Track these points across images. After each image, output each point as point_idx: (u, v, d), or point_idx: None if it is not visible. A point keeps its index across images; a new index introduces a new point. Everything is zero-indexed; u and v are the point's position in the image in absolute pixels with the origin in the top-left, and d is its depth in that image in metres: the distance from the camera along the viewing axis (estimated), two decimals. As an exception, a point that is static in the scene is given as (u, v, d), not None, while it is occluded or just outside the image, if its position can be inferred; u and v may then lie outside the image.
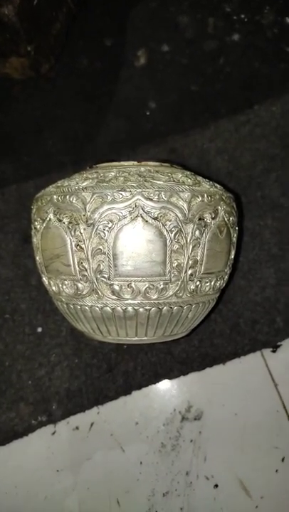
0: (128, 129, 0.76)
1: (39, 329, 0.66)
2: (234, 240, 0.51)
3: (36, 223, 0.49)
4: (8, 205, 0.73)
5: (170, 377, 0.63)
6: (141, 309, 0.45)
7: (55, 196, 0.46)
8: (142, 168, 0.47)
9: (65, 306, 0.49)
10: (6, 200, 0.73)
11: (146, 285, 0.44)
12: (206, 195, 0.45)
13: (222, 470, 0.59)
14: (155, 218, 0.43)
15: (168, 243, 0.43)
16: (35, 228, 0.49)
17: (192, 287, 0.46)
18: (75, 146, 0.76)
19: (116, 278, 0.44)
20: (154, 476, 0.59)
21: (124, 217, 0.42)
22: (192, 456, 0.60)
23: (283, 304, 0.65)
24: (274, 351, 0.64)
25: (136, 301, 0.44)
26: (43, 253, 0.48)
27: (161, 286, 0.44)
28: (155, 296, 0.45)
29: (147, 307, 0.45)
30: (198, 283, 0.46)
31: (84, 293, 0.45)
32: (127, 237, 0.42)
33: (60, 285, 0.47)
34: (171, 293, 0.45)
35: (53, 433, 0.61)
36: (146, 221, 0.43)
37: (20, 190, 0.74)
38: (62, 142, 0.76)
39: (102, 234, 0.43)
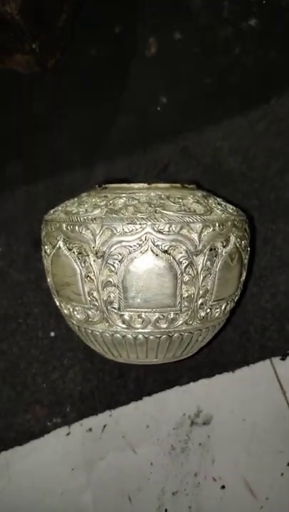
0: (138, 127, 0.74)
1: (52, 333, 0.67)
2: (246, 262, 0.50)
3: (46, 247, 0.49)
4: (19, 207, 0.73)
5: (180, 384, 0.64)
6: (151, 337, 0.46)
7: (64, 225, 0.45)
8: (152, 193, 0.46)
9: (77, 328, 0.50)
10: (16, 202, 0.73)
11: (157, 315, 0.44)
12: (217, 225, 0.44)
13: (229, 472, 0.62)
14: (165, 251, 0.42)
15: (178, 276, 0.43)
16: (45, 252, 0.49)
17: (202, 314, 0.46)
18: (84, 145, 0.74)
19: (126, 309, 0.44)
20: (164, 477, 0.62)
21: (134, 250, 0.42)
22: (201, 459, 0.63)
23: (294, 311, 0.65)
24: (283, 359, 0.64)
25: (146, 330, 0.45)
26: (54, 278, 0.48)
27: (172, 316, 0.45)
28: (165, 326, 0.45)
29: (158, 335, 0.45)
30: (208, 310, 0.46)
31: (95, 320, 0.46)
32: (136, 270, 0.42)
33: (72, 310, 0.48)
34: (181, 322, 0.45)
35: (68, 434, 0.64)
36: (157, 255, 0.42)
37: (30, 192, 0.73)
38: (71, 141, 0.74)
39: (111, 267, 0.43)
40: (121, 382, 0.65)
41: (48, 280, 0.51)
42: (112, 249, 0.42)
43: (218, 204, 0.48)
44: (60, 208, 0.49)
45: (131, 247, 0.42)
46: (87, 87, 0.75)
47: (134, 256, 0.42)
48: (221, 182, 0.71)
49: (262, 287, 0.66)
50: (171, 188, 0.48)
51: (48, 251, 0.48)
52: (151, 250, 0.42)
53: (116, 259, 0.42)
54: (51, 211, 0.51)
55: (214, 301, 0.46)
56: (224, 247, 0.45)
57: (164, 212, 0.43)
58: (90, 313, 0.46)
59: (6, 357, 0.67)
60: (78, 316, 0.47)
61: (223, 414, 0.63)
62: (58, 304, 0.51)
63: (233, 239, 0.46)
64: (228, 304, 0.49)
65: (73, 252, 0.44)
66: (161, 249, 0.42)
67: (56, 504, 0.62)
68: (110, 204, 0.45)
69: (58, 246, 0.46)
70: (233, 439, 0.63)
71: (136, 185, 0.47)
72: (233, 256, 0.46)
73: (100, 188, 0.50)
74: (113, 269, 0.43)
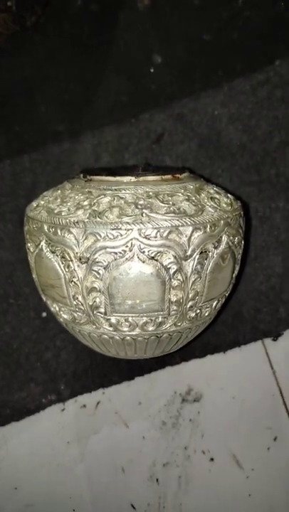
0: (130, 90, 0.67)
1: (44, 314, 0.67)
2: (239, 257, 0.48)
3: (29, 245, 0.46)
4: (3, 181, 0.69)
5: (172, 364, 0.65)
6: (139, 338, 0.45)
7: (46, 226, 0.42)
8: (140, 190, 0.42)
9: (64, 324, 0.49)
10: (0, 176, 0.69)
11: (144, 320, 0.43)
12: (209, 226, 0.41)
13: (218, 446, 0.64)
14: (152, 258, 0.40)
15: (166, 282, 0.41)
16: (28, 249, 0.47)
17: (192, 315, 0.45)
18: (71, 111, 0.68)
19: (113, 314, 0.42)
20: (155, 449, 0.65)
21: (120, 257, 0.40)
22: (191, 433, 0.65)
23: (288, 294, 0.64)
24: (275, 340, 0.64)
25: (134, 333, 0.44)
26: (38, 277, 0.47)
27: (160, 320, 0.43)
28: (153, 328, 0.44)
29: (146, 337, 0.45)
30: (198, 311, 0.45)
31: (81, 322, 0.45)
32: (122, 277, 0.40)
33: (58, 309, 0.47)
34: (169, 324, 0.44)
35: (62, 410, 0.66)
36: (143, 261, 0.40)
37: (15, 165, 0.68)
38: (57, 107, 0.68)
39: (96, 273, 0.40)
40: (114, 363, 0.65)
41: (33, 276, 0.49)
42: (97, 255, 0.40)
43: (211, 199, 0.44)
44: (42, 203, 0.46)
45: (116, 253, 0.40)
46: (72, 45, 0.67)
47: (120, 263, 0.40)
48: (219, 155, 0.66)
49: (257, 268, 0.65)
50: (161, 181, 0.44)
51: (31, 249, 0.46)
52: (138, 257, 0.40)
53: (101, 266, 0.40)
54: (33, 204, 0.48)
55: (204, 301, 0.45)
56: (215, 248, 0.43)
57: (152, 215, 0.40)
58: (75, 315, 0.44)
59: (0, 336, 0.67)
60: (65, 316, 0.46)
61: (213, 392, 0.65)
62: (44, 299, 0.49)
63: (225, 238, 0.43)
64: (218, 301, 0.48)
65: (56, 255, 0.42)
66: (148, 256, 0.40)
67: (53, 475, 0.66)
68: (94, 204, 0.41)
69: (40, 247, 0.44)
70: (222, 416, 0.65)
71: (123, 179, 0.44)
72: (225, 256, 0.44)
73: (84, 180, 0.46)
74: (98, 275, 0.41)
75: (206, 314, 0.46)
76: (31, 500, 0.66)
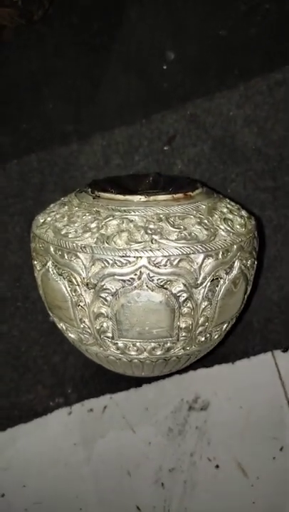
0: (141, 89, 0.64)
1: (51, 318, 0.66)
2: (251, 278, 0.46)
3: (35, 262, 0.45)
4: (11, 182, 0.67)
5: (180, 373, 0.64)
6: (147, 361, 0.44)
7: (52, 248, 0.41)
8: (150, 212, 0.41)
9: (71, 341, 0.48)
10: (7, 176, 0.67)
11: (152, 345, 0.42)
12: (221, 253, 0.40)
13: (223, 454, 0.65)
14: (161, 286, 0.39)
15: (176, 310, 0.40)
16: (35, 266, 0.46)
17: (201, 339, 0.44)
18: (79, 111, 0.65)
19: (120, 339, 0.42)
20: (161, 455, 0.65)
21: (128, 284, 0.38)
22: (197, 440, 0.65)
23: (301, 305, 0.62)
24: (285, 351, 0.63)
25: (141, 356, 0.43)
26: (45, 296, 0.46)
27: (168, 345, 0.42)
28: (161, 353, 0.43)
29: (153, 360, 0.44)
30: (208, 335, 0.44)
31: (88, 343, 0.44)
32: (131, 305, 0.39)
33: (65, 328, 0.46)
34: (178, 348, 0.43)
35: (69, 413, 0.67)
36: (152, 290, 0.39)
37: (22, 164, 0.67)
38: (64, 105, 0.65)
39: (103, 300, 0.39)
40: (121, 369, 0.65)
41: (40, 292, 0.48)
42: (104, 281, 0.39)
43: (224, 220, 0.42)
44: (48, 220, 0.44)
45: (124, 281, 0.38)
46: (80, 40, 0.64)
47: (128, 290, 0.39)
48: (233, 159, 0.63)
49: (269, 278, 0.63)
50: (172, 200, 0.42)
51: (38, 267, 0.45)
52: (147, 285, 0.38)
53: (108, 293, 0.39)
54: (40, 219, 0.46)
55: (215, 326, 0.44)
56: (227, 274, 0.41)
57: (162, 241, 0.38)
58: (82, 336, 0.44)
59: (7, 339, 0.67)
60: (72, 336, 0.45)
61: (220, 401, 0.64)
62: (51, 316, 0.49)
63: (238, 264, 0.42)
64: (229, 323, 0.46)
65: (63, 278, 0.41)
66: (157, 285, 0.38)
67: (60, 475, 0.67)
68: (102, 227, 0.40)
69: (47, 267, 0.42)
70: (228, 425, 0.64)
71: (133, 198, 0.42)
72: (238, 281, 0.42)
73: (92, 196, 0.44)
74: (105, 302, 0.39)
75: (216, 337, 0.45)
76: (39, 498, 0.68)
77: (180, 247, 0.38)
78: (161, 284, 0.38)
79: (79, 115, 0.65)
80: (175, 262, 0.38)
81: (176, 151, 0.64)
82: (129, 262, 0.38)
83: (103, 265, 0.38)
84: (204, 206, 0.43)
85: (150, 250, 0.38)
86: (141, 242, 0.38)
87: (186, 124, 0.64)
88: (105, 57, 0.63)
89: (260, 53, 0.62)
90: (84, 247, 0.39)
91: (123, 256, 0.38)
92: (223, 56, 0.62)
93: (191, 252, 0.39)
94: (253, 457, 0.64)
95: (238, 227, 0.43)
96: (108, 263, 0.38)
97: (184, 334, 0.42)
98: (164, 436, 0.66)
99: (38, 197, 0.66)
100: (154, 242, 0.38)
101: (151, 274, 0.38)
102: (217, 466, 0.65)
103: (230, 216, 0.44)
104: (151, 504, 0.65)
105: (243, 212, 0.46)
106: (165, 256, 0.38)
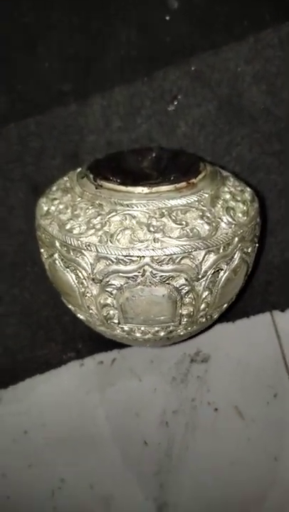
0: (141, 43, 0.60)
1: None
2: (252, 259, 0.48)
3: (42, 250, 0.47)
4: (10, 146, 0.65)
5: (182, 331, 0.69)
6: (151, 340, 0.47)
7: (57, 243, 0.42)
8: (152, 206, 0.41)
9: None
10: (6, 140, 0.65)
11: (156, 328, 0.45)
12: (222, 247, 0.41)
13: (222, 399, 0.71)
14: (164, 282, 0.40)
15: (178, 301, 0.42)
16: (42, 253, 0.47)
17: (202, 320, 0.46)
18: (76, 68, 0.61)
19: (126, 324, 0.44)
20: (165, 400, 0.72)
21: (132, 281, 0.40)
22: (198, 388, 0.71)
23: (301, 268, 0.64)
24: (283, 310, 0.67)
25: (146, 337, 0.46)
26: (53, 281, 0.48)
27: (171, 328, 0.45)
28: (164, 333, 0.46)
29: (157, 338, 0.47)
30: (208, 316, 0.46)
31: (96, 324, 0.47)
32: (135, 298, 0.41)
33: (74, 309, 0.49)
34: (180, 329, 0.46)
35: (81, 365, 0.73)
36: (155, 285, 0.40)
37: (20, 128, 0.64)
38: (62, 63, 0.61)
39: (109, 293, 0.41)
40: (127, 328, 0.69)
41: (48, 275, 0.50)
42: (109, 278, 0.40)
43: (227, 210, 0.42)
44: (53, 209, 0.45)
45: (128, 278, 0.40)
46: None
47: (132, 285, 0.40)
48: (239, 120, 0.61)
49: (271, 242, 0.64)
50: (175, 191, 0.42)
51: (45, 256, 0.46)
52: (150, 282, 0.40)
53: (113, 288, 0.41)
54: (43, 206, 0.46)
55: (216, 308, 0.46)
56: (228, 265, 0.42)
57: (164, 239, 0.39)
58: (90, 319, 0.47)
59: (19, 301, 0.71)
60: (81, 317, 0.48)
61: (220, 355, 0.69)
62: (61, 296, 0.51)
63: (238, 254, 0.43)
64: (229, 302, 0.49)
65: (70, 271, 0.43)
66: (160, 280, 0.40)
67: (75, 416, 0.75)
68: (106, 223, 0.40)
69: (54, 258, 0.44)
70: (227, 375, 0.70)
71: (135, 190, 0.42)
72: (238, 269, 0.44)
73: (94, 185, 0.44)
74: (111, 295, 0.41)
75: (216, 316, 0.48)
76: (57, 434, 0.76)
77: (182, 245, 0.39)
78: (164, 279, 0.40)
79: (76, 73, 0.61)
80: (177, 260, 0.39)
81: (179, 111, 0.61)
82: (132, 261, 0.39)
83: (107, 263, 0.40)
84: (207, 195, 0.43)
85: (152, 249, 0.39)
86: (144, 241, 0.39)
87: (190, 81, 0.60)
88: (102, 6, 0.58)
89: (273, 0, 0.56)
90: (88, 245, 0.40)
91: (126, 255, 0.39)
92: (231, 4, 0.57)
93: (193, 249, 0.39)
94: (249, 402, 0.71)
95: (240, 215, 0.43)
96: (112, 261, 0.40)
97: (185, 319, 0.44)
98: (167, 384, 0.72)
99: (38, 162, 0.65)
100: (156, 240, 0.39)
101: (154, 272, 0.40)
102: (216, 409, 0.72)
103: (233, 204, 0.44)
104: (157, 441, 0.74)
105: (247, 195, 0.46)
106: (167, 255, 0.39)
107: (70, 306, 0.49)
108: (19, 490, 0.74)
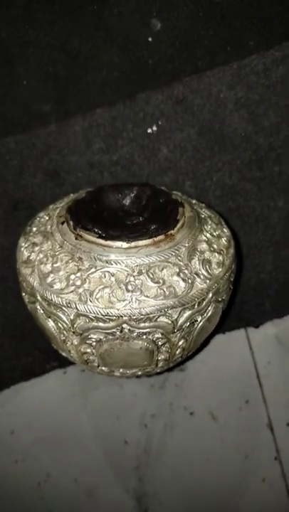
0: (123, 65, 0.58)
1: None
2: (227, 299, 0.50)
3: (24, 295, 0.48)
4: (-11, 165, 0.64)
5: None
6: (130, 376, 0.50)
7: (38, 295, 0.43)
8: (131, 261, 0.42)
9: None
10: (-16, 158, 0.64)
11: (134, 370, 0.47)
12: (198, 302, 0.43)
13: (197, 404, 0.76)
14: (141, 336, 0.42)
15: (154, 351, 0.44)
16: (23, 296, 0.48)
17: (178, 360, 0.49)
18: (57, 89, 0.60)
19: (105, 367, 0.47)
20: (145, 404, 0.77)
21: (111, 336, 0.42)
22: (175, 394, 0.76)
23: (274, 290, 0.67)
24: (257, 327, 0.70)
25: (125, 375, 0.49)
26: (35, 321, 0.49)
27: (148, 369, 0.48)
28: (142, 373, 0.49)
29: (135, 375, 0.50)
30: (184, 356, 0.49)
31: (76, 362, 0.49)
32: (114, 350, 0.43)
33: (55, 346, 0.51)
34: (157, 369, 0.49)
35: (64, 373, 0.76)
36: (133, 340, 0.42)
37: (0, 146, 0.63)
38: (40, 82, 0.59)
39: (89, 345, 0.43)
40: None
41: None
42: (89, 332, 0.42)
43: (203, 262, 0.44)
44: (33, 257, 0.45)
45: (108, 334, 0.42)
46: (56, 5, 0.55)
47: (111, 339, 0.42)
48: (221, 146, 0.61)
49: (248, 265, 0.66)
50: (153, 245, 0.43)
51: (27, 300, 0.47)
52: (128, 337, 0.42)
53: (93, 340, 0.43)
54: (24, 252, 0.47)
55: (191, 350, 0.49)
56: (203, 316, 0.44)
57: (142, 299, 0.41)
58: (71, 359, 0.49)
59: (3, 313, 0.73)
60: (62, 354, 0.50)
61: (196, 364, 0.73)
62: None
63: (213, 306, 0.45)
64: (204, 340, 0.51)
65: (51, 320, 0.44)
66: (137, 335, 0.42)
67: (60, 418, 0.79)
68: (85, 280, 0.42)
69: (35, 306, 0.45)
70: (203, 382, 0.74)
71: (114, 244, 0.43)
72: (213, 318, 0.46)
73: (74, 234, 0.45)
74: (91, 346, 0.43)
75: (191, 352, 0.51)
76: (43, 434, 0.81)
77: (159, 305, 0.41)
78: (141, 335, 0.42)
79: (56, 93, 0.60)
80: (154, 318, 0.41)
81: (161, 135, 0.61)
82: (111, 320, 0.41)
83: (87, 320, 0.41)
84: (184, 248, 0.44)
85: (130, 309, 0.40)
86: (122, 301, 0.41)
87: (172, 105, 0.59)
88: (84, 25, 0.55)
89: (259, 26, 0.54)
90: (69, 303, 0.41)
91: (106, 315, 0.41)
92: (216, 27, 0.55)
93: (169, 308, 0.41)
94: (222, 407, 0.76)
95: (215, 267, 0.45)
96: (92, 319, 0.41)
97: (162, 363, 0.47)
98: (147, 390, 0.76)
99: (18, 180, 0.65)
100: (134, 300, 0.41)
101: (132, 329, 0.41)
102: (192, 413, 0.77)
103: (209, 255, 0.45)
104: (137, 439, 0.79)
105: (224, 240, 0.48)
106: (144, 314, 0.41)
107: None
108: (6, 483, 0.79)
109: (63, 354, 0.50)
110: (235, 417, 0.76)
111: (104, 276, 0.41)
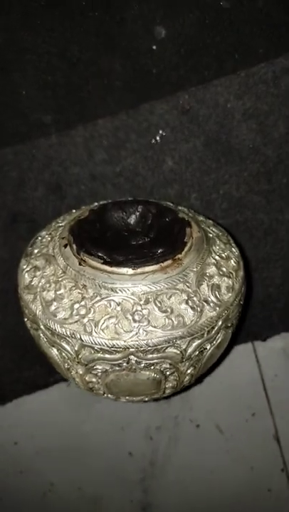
0: (126, 73, 0.55)
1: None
2: (236, 323, 0.48)
3: (26, 320, 0.46)
4: (-13, 177, 0.62)
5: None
6: (137, 402, 0.48)
7: (41, 324, 0.42)
8: (137, 289, 0.40)
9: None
10: (-17, 170, 0.62)
11: (141, 397, 0.46)
12: (206, 331, 0.41)
13: (203, 416, 0.75)
14: (149, 368, 0.41)
15: (162, 381, 0.42)
16: (25, 322, 0.47)
17: (186, 384, 0.48)
18: (56, 98, 0.57)
19: (111, 394, 0.45)
20: (150, 417, 0.76)
21: (118, 367, 0.40)
22: (181, 407, 0.74)
23: (283, 303, 0.65)
24: (264, 340, 0.68)
25: (132, 401, 0.48)
26: (38, 346, 0.48)
27: (155, 396, 0.46)
28: (149, 399, 0.47)
29: (142, 401, 0.48)
30: (192, 381, 0.48)
31: (81, 388, 0.48)
32: (120, 381, 0.42)
33: (59, 372, 0.49)
34: (165, 395, 0.47)
35: (68, 385, 0.75)
36: (140, 371, 0.41)
37: (-1, 158, 0.61)
38: (39, 91, 0.57)
39: (93, 376, 0.42)
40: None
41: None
42: (94, 363, 0.41)
43: (212, 288, 0.42)
44: (35, 282, 0.43)
45: (114, 365, 0.40)
46: (55, 11, 0.52)
47: (117, 370, 0.41)
48: (228, 158, 0.59)
49: (256, 279, 0.64)
50: (160, 271, 0.41)
51: (29, 325, 0.46)
52: (135, 368, 0.40)
53: (99, 371, 0.41)
54: (26, 277, 0.45)
55: (199, 375, 0.47)
56: (212, 344, 0.43)
57: (149, 329, 0.39)
58: (76, 384, 0.47)
59: (4, 326, 0.71)
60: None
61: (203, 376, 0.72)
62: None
63: (223, 333, 0.43)
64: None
65: (55, 349, 0.42)
66: (144, 366, 0.40)
67: (63, 430, 0.78)
68: (90, 310, 0.40)
69: (38, 333, 0.43)
70: (209, 395, 0.73)
71: (119, 271, 0.41)
72: (222, 345, 0.44)
73: (78, 259, 0.43)
74: (96, 376, 0.42)
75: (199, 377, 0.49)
76: (46, 445, 0.80)
77: (167, 336, 0.39)
78: (148, 365, 0.40)
79: (56, 103, 0.57)
80: (162, 349, 0.40)
81: (166, 146, 0.59)
82: (117, 352, 0.39)
83: (92, 351, 0.40)
84: (192, 273, 0.42)
85: (137, 341, 0.39)
86: (128, 332, 0.39)
87: (177, 116, 0.57)
88: (85, 32, 0.53)
89: (268, 32, 0.52)
90: (73, 334, 0.40)
91: (112, 346, 0.39)
92: (223, 34, 0.52)
93: (178, 338, 0.40)
94: (229, 420, 0.75)
95: (225, 292, 0.43)
96: (97, 351, 0.40)
97: (169, 390, 0.45)
98: (152, 404, 0.75)
99: (17, 192, 0.63)
100: (141, 330, 0.39)
101: (139, 360, 0.40)
102: (198, 426, 0.76)
103: (218, 280, 0.43)
104: (142, 452, 0.78)
105: (232, 262, 0.46)
106: (152, 346, 0.39)
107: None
108: (11, 493, 0.78)
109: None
110: (241, 429, 0.75)
111: (110, 306, 0.40)
